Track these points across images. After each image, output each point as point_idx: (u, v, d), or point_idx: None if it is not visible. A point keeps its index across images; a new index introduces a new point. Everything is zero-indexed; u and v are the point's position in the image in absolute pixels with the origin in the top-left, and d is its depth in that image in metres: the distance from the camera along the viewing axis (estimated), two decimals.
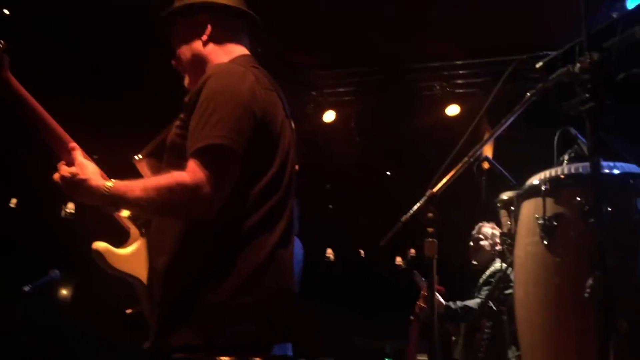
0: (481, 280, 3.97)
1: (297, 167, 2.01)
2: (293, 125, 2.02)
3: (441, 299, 3.89)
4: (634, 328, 1.75)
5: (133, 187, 1.68)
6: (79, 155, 1.74)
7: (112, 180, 1.70)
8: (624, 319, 1.72)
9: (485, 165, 2.89)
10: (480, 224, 4.21)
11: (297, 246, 3.36)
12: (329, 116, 6.38)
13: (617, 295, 1.52)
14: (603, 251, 1.52)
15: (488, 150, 6.22)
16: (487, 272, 3.97)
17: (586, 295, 1.53)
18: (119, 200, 1.68)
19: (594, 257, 1.52)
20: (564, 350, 1.87)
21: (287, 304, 1.79)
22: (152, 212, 1.79)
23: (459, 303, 3.89)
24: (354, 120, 6.29)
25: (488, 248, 4.08)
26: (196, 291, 1.70)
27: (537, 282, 1.96)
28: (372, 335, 8.30)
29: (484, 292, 3.81)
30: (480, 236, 4.14)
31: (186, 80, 2.05)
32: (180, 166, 1.70)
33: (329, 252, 7.49)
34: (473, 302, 3.83)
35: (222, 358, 1.56)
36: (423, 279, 4.11)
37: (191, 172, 1.65)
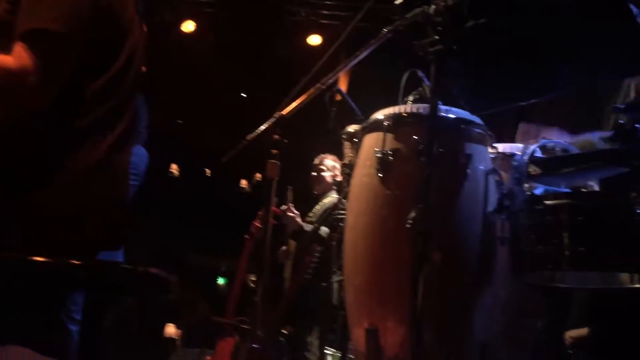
0: (318, 207, 4.12)
1: (144, 68, 1.90)
2: (145, 27, 1.88)
3: (298, 219, 3.97)
4: (446, 259, 1.92)
5: None
6: None
7: None
8: (439, 251, 1.88)
9: (337, 96, 2.93)
10: (323, 155, 4.34)
11: (142, 155, 3.21)
12: (188, 26, 6.10)
13: (435, 228, 1.65)
14: (428, 187, 1.63)
15: (343, 84, 6.37)
16: (326, 202, 4.13)
17: (407, 226, 1.63)
18: None
19: (419, 191, 1.63)
20: (383, 276, 2.00)
21: (116, 211, 1.71)
22: None
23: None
24: (213, 34, 6.08)
25: (329, 179, 4.23)
26: (17, 189, 1.57)
27: (367, 211, 2.06)
28: (208, 254, 8.37)
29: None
30: (322, 167, 4.28)
31: None
32: (7, 48, 1.52)
33: (174, 168, 7.32)
34: (309, 227, 3.99)
35: (37, 258, 1.47)
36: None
37: (17, 57, 1.49)
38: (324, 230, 3.77)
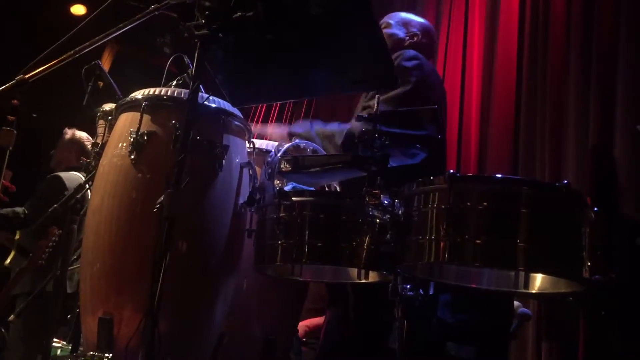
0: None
1: None
2: None
3: None
4: (192, 247, 1.90)
5: None
6: None
7: None
8: (185, 239, 1.85)
9: (97, 71, 2.73)
10: (71, 130, 4.03)
11: None
12: None
13: (184, 214, 1.62)
14: (180, 172, 1.59)
15: (106, 62, 5.99)
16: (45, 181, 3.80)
17: (155, 210, 1.57)
18: None
19: (169, 176, 1.58)
20: (125, 262, 1.91)
21: None
22: None
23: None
24: None
25: (73, 157, 3.94)
26: None
27: (115, 193, 1.94)
28: None
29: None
30: (71, 143, 3.98)
31: None
32: None
33: None
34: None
35: None
36: None
37: None
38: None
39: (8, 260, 3.74)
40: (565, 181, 1.59)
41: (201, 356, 1.95)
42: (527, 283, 1.76)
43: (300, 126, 2.51)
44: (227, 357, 2.04)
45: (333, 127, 2.45)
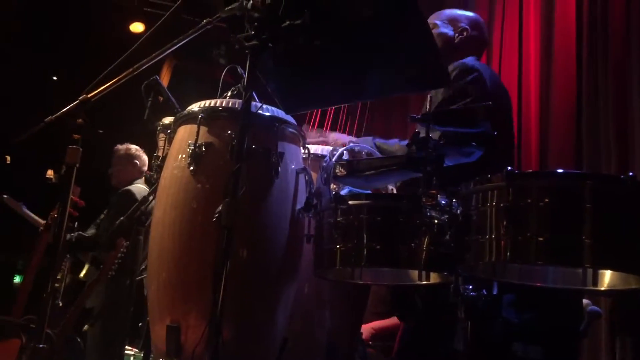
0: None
1: None
2: None
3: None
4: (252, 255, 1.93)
5: None
6: None
7: None
8: (245, 247, 1.89)
9: (156, 87, 2.83)
10: (124, 145, 4.20)
11: None
12: None
13: (242, 223, 1.65)
14: (237, 181, 1.63)
15: (165, 78, 6.18)
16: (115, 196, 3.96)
17: (214, 219, 1.61)
18: None
19: (227, 185, 1.62)
20: (188, 272, 1.96)
21: None
22: None
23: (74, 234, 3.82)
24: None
25: (134, 170, 4.09)
26: None
27: (176, 204, 2.00)
28: (5, 250, 7.59)
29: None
30: (129, 158, 4.14)
31: None
32: None
33: None
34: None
35: None
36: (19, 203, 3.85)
37: None
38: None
39: (82, 273, 3.91)
40: (631, 173, 1.53)
41: None
42: (595, 280, 1.70)
43: (363, 142, 2.49)
44: None
45: (394, 142, 2.43)
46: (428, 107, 1.69)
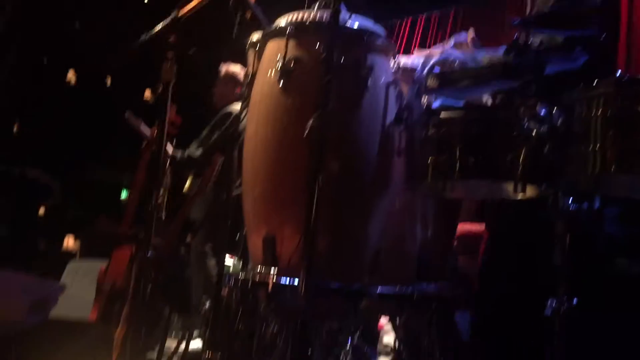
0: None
1: None
2: None
3: (169, 149, 3.85)
4: (343, 168, 1.93)
5: None
6: None
7: None
8: (337, 160, 1.89)
9: (243, 2, 2.80)
10: (225, 65, 4.23)
11: None
12: None
13: (333, 136, 1.65)
14: (327, 95, 1.61)
15: None
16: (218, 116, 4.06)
17: (305, 134, 1.61)
18: None
19: (317, 99, 1.61)
20: (282, 185, 2.00)
21: None
22: None
23: (184, 153, 3.97)
24: None
25: (231, 91, 4.15)
26: None
27: (267, 120, 2.02)
28: (112, 168, 8.07)
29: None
30: (226, 78, 4.19)
31: None
32: None
33: (71, 74, 6.82)
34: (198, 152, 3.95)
35: None
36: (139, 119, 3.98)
37: None
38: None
39: (186, 187, 4.11)
40: None
41: (358, 273, 2.02)
42: None
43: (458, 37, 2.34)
44: (383, 275, 2.09)
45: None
46: (529, 9, 1.57)
